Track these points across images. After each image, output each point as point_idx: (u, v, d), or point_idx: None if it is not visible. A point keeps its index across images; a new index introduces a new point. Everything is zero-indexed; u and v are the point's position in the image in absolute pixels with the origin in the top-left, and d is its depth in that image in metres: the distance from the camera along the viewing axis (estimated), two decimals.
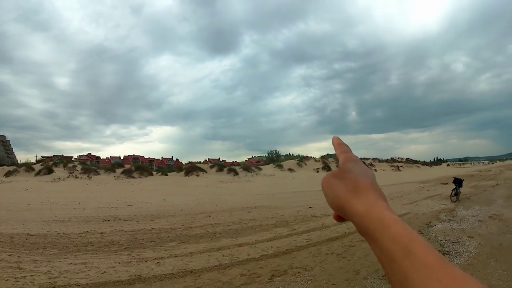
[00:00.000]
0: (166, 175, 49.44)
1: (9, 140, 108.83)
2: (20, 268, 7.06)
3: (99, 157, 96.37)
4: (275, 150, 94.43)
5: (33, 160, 60.68)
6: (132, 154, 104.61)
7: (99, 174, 46.28)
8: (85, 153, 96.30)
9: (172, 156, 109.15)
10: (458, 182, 17.84)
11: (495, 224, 11.27)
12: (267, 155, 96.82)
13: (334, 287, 6.13)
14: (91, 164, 56.96)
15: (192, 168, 50.62)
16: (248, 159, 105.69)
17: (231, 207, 17.62)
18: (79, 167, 47.23)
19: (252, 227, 11.87)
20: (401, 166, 78.98)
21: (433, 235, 9.96)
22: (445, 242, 9.04)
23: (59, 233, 10.84)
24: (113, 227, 12.03)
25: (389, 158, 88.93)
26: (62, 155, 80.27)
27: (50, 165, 47.33)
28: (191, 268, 7.23)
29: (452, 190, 17.67)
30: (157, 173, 50.52)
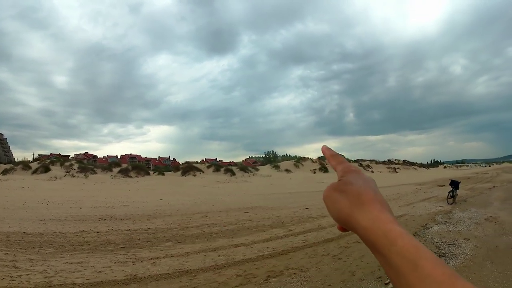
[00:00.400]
0: (163, 174, 49.43)
1: (6, 138, 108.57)
2: (16, 267, 7.06)
3: (96, 156, 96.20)
4: (272, 151, 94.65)
5: (30, 159, 60.69)
6: (129, 153, 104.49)
7: (96, 173, 46.22)
8: (82, 152, 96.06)
9: (169, 156, 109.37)
10: (454, 184, 17.90)
11: (492, 226, 11.33)
12: (264, 155, 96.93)
13: None
14: (88, 163, 56.84)
15: (189, 168, 50.61)
16: (245, 159, 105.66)
17: (228, 208, 17.64)
18: (76, 166, 47.17)
19: (248, 228, 11.89)
20: (398, 168, 79.08)
21: (429, 237, 10.01)
22: (441, 244, 9.08)
23: (55, 232, 10.83)
24: (110, 227, 12.03)
25: (386, 160, 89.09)
26: (59, 154, 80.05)
27: (47, 163, 47.28)
28: (187, 268, 7.24)
29: (449, 192, 17.73)
30: (154, 173, 50.55)
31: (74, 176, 43.21)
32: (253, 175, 52.08)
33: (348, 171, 0.68)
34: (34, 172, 43.60)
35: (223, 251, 8.75)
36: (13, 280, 6.24)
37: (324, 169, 61.03)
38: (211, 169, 51.61)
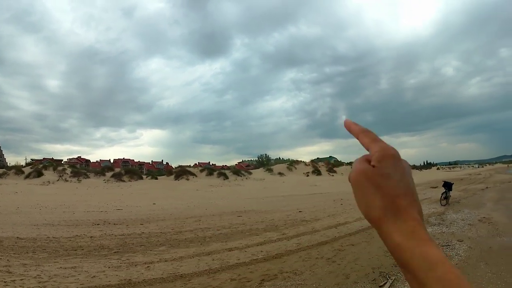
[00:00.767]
0: (156, 179, 49.28)
1: None
2: (10, 272, 7.06)
3: (89, 160, 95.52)
4: (265, 154, 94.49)
5: (23, 163, 60.20)
6: (122, 158, 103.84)
7: (89, 177, 46.01)
8: (75, 156, 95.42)
9: (162, 160, 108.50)
10: (447, 185, 17.99)
11: (485, 227, 11.44)
12: (257, 159, 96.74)
13: None
14: (81, 168, 56.61)
15: (182, 172, 50.55)
16: (238, 163, 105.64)
17: (221, 211, 17.65)
18: (68, 170, 46.96)
19: (242, 232, 11.92)
20: None
21: None
22: None
23: (48, 237, 10.81)
24: (103, 231, 12.01)
25: None
26: (52, 158, 79.44)
27: (39, 168, 47.01)
28: (181, 273, 7.27)
29: (442, 194, 17.82)
30: (147, 177, 50.38)
31: (67, 181, 42.99)
32: (246, 178, 52.09)
33: (386, 156, 0.58)
34: (27, 176, 43.34)
35: (217, 255, 8.79)
36: (7, 285, 6.25)
37: (317, 172, 61.19)
38: (204, 173, 51.59)
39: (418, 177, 62.58)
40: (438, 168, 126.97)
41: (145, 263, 8.02)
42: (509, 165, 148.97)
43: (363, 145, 0.62)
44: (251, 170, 63.03)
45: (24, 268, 7.41)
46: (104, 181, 44.45)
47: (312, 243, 9.83)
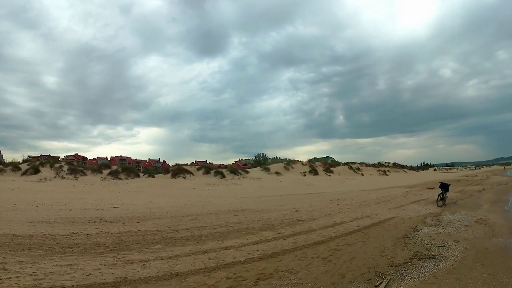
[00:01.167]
0: (153, 177, 49.24)
1: None
2: (5, 269, 7.04)
3: (86, 157, 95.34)
4: (263, 153, 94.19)
5: (20, 160, 60.10)
6: (119, 155, 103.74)
7: (86, 174, 45.94)
8: (72, 153, 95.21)
9: (159, 158, 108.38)
10: (444, 187, 18.04)
11: (481, 228, 11.47)
12: (254, 158, 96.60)
13: None
14: (78, 165, 56.46)
15: (179, 170, 50.50)
16: (236, 162, 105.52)
17: (218, 210, 17.65)
18: (65, 168, 46.85)
19: (238, 230, 11.93)
20: (388, 171, 79.49)
21: (419, 239, 10.09)
22: (431, 246, 9.17)
23: (45, 234, 10.79)
24: (99, 229, 12.00)
25: (376, 163, 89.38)
26: (49, 155, 79.41)
27: (36, 165, 46.88)
28: (177, 271, 7.27)
29: (439, 195, 17.88)
30: (144, 175, 50.27)
31: (64, 178, 42.90)
32: (243, 177, 52.07)
33: None
34: (24, 173, 43.24)
35: (213, 253, 8.79)
36: (2, 283, 6.23)
37: (314, 171, 61.25)
38: (201, 172, 51.53)
39: (415, 178, 62.75)
40: (435, 169, 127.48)
41: (141, 261, 8.02)
42: (505, 167, 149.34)
43: None
44: (248, 169, 62.96)
45: (20, 266, 7.39)
46: (101, 178, 44.38)
47: (308, 243, 9.84)
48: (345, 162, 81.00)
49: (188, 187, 39.62)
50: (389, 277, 6.70)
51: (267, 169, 60.05)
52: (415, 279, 6.64)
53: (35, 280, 6.48)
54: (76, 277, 6.76)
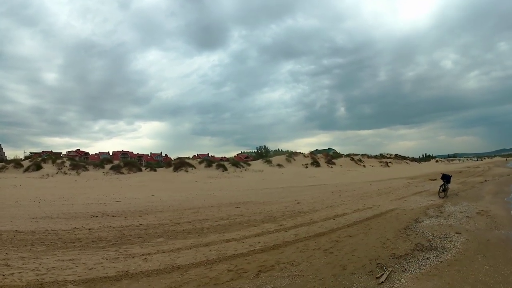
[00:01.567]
0: (155, 170, 49.20)
1: None
2: (8, 265, 7.07)
3: (88, 153, 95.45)
4: (264, 146, 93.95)
5: (22, 157, 60.11)
6: (121, 150, 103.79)
7: (88, 170, 45.93)
8: (74, 149, 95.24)
9: (161, 152, 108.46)
10: (446, 178, 18.02)
11: (483, 220, 11.46)
12: (256, 150, 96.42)
13: (321, 282, 6.21)
14: (80, 160, 56.52)
15: (181, 164, 50.42)
16: (237, 154, 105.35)
17: (220, 203, 17.68)
18: (67, 163, 46.82)
19: (240, 223, 11.95)
20: (390, 162, 79.28)
21: (421, 230, 10.09)
22: (433, 238, 9.16)
23: (47, 230, 10.82)
24: (101, 223, 12.03)
25: (378, 154, 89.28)
26: (51, 151, 79.35)
27: (38, 161, 46.87)
28: (178, 264, 7.30)
29: (440, 186, 17.87)
30: (146, 169, 50.24)
31: (66, 174, 42.93)
32: (245, 170, 52.01)
33: None
34: (26, 170, 43.25)
35: (214, 246, 8.81)
36: (5, 278, 6.27)
37: (316, 163, 61.18)
38: (203, 165, 51.48)
39: (416, 169, 62.78)
40: (437, 161, 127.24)
41: (143, 255, 8.04)
42: (507, 158, 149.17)
43: None
44: (250, 162, 62.87)
45: (23, 261, 7.42)
46: (103, 173, 44.39)
47: (310, 234, 9.86)
48: (347, 153, 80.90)
49: (190, 180, 39.64)
50: (390, 269, 6.70)
51: (269, 162, 59.93)
52: (416, 271, 6.64)
53: (38, 275, 6.51)
54: (78, 271, 6.79)
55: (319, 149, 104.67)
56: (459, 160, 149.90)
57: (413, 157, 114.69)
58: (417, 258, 7.45)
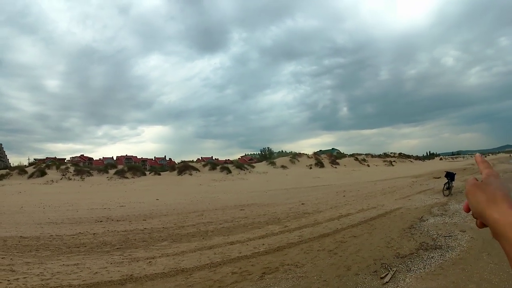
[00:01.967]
0: (159, 174, 49.28)
1: (1, 144, 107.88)
2: (13, 271, 7.11)
3: (92, 158, 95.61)
4: (268, 147, 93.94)
5: (26, 163, 60.30)
6: (125, 155, 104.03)
7: (92, 175, 46.07)
8: (78, 155, 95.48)
9: (165, 156, 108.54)
10: (450, 176, 17.93)
11: None
12: (259, 152, 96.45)
13: (325, 283, 6.22)
14: (84, 166, 56.70)
15: (185, 167, 50.49)
16: (241, 156, 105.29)
17: (224, 205, 17.69)
18: (72, 169, 46.98)
19: (244, 225, 11.96)
20: (394, 161, 79.07)
21: (426, 229, 10.07)
22: (437, 236, 9.14)
23: (51, 235, 10.87)
24: (106, 228, 12.07)
25: (382, 153, 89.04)
26: (55, 157, 79.51)
27: (42, 167, 47.04)
28: (183, 267, 7.31)
29: (445, 184, 17.77)
30: (150, 173, 50.32)
31: (71, 179, 43.07)
32: (249, 172, 52.02)
33: (490, 175, 0.89)
34: (30, 176, 43.40)
35: (218, 249, 8.82)
36: (10, 284, 6.29)
37: (320, 164, 61.10)
38: (207, 168, 51.50)
39: (421, 167, 62.54)
40: (441, 159, 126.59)
41: (147, 258, 8.06)
42: (511, 154, 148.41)
43: (479, 169, 0.94)
44: (254, 164, 62.84)
45: (27, 266, 7.46)
46: (108, 178, 44.51)
47: (314, 235, 9.85)
48: (351, 153, 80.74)
49: (194, 183, 39.67)
50: (395, 269, 6.69)
51: (273, 163, 59.91)
52: (421, 270, 6.62)
53: (42, 280, 6.54)
54: (83, 276, 6.81)
55: (322, 149, 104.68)
56: (463, 157, 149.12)
57: (417, 156, 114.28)
58: (422, 257, 7.43)
